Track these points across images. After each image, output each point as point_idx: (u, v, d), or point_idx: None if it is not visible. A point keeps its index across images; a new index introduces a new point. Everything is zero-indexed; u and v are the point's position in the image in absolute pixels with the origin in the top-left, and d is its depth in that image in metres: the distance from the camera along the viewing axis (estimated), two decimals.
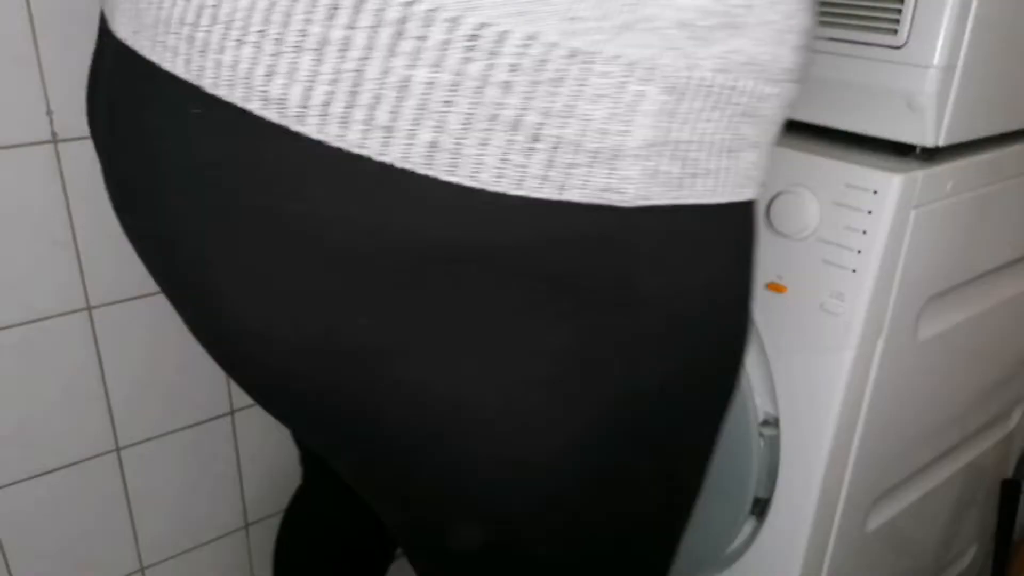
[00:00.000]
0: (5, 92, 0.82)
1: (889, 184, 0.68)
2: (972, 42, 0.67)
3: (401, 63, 0.35)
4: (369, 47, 0.35)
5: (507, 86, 0.35)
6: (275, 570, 1.01)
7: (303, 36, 0.35)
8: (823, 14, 0.73)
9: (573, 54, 0.35)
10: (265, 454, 0.94)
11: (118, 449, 1.07)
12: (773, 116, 0.42)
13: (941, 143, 0.70)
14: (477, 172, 0.36)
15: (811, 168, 0.72)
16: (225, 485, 1.19)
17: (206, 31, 0.37)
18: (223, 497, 1.20)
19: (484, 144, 0.36)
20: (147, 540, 1.14)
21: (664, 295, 0.42)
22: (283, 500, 1.22)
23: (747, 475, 0.81)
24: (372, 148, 0.36)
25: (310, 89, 0.36)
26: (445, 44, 0.34)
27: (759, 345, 0.79)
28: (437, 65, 0.34)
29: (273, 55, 0.36)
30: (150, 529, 1.14)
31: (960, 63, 0.68)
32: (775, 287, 0.76)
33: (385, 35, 0.34)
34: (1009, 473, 1.21)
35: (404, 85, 0.35)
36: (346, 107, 0.35)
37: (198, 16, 0.37)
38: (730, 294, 0.46)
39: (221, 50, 0.37)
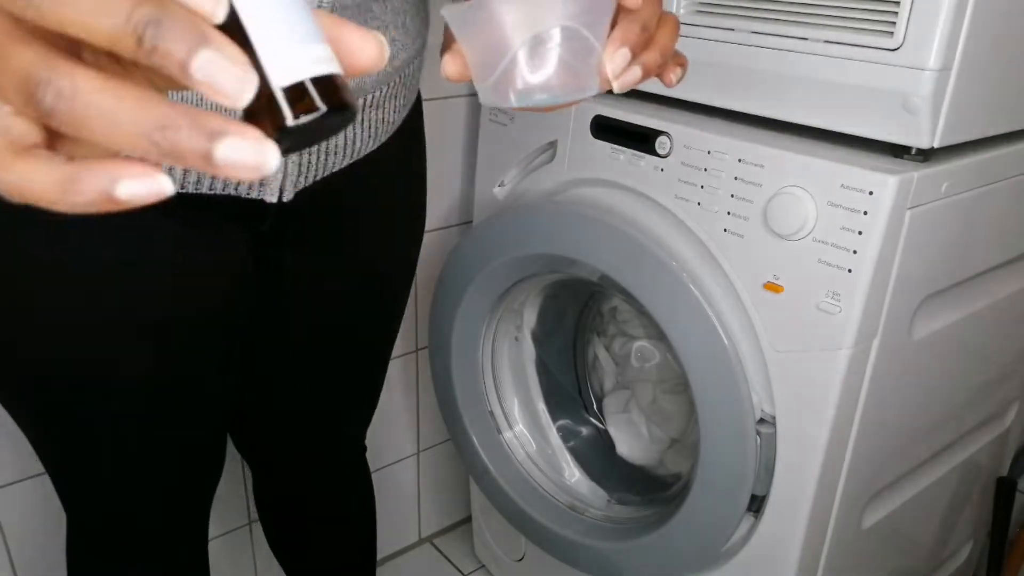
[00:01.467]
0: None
1: (885, 185, 0.68)
2: (967, 45, 0.68)
3: None
4: None
5: None
6: (279, 558, 1.03)
7: None
8: (820, 16, 0.73)
9: None
10: None
11: None
12: None
13: (936, 144, 0.71)
14: None
15: (807, 169, 0.73)
16: (229, 483, 1.20)
17: None
18: (228, 495, 1.21)
19: None
20: None
21: None
22: None
23: (744, 472, 0.82)
24: None
25: None
26: None
27: (756, 344, 0.80)
28: None
29: None
30: None
31: (955, 65, 0.68)
32: (771, 287, 0.77)
33: None
34: (1004, 471, 1.21)
35: None
36: None
37: None
38: None
39: None
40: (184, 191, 0.59)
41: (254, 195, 0.62)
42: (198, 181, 0.59)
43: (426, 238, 1.26)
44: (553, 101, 0.42)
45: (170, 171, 0.57)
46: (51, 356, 0.62)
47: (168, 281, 0.63)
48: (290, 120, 0.25)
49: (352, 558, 1.01)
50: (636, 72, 0.41)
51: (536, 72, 0.40)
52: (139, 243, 0.60)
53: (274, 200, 0.63)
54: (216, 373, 0.72)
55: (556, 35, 0.39)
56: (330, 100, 0.25)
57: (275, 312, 0.76)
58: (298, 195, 0.65)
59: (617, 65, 0.40)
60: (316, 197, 0.67)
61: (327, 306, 0.78)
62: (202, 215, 0.62)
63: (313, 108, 0.25)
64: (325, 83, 0.25)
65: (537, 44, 0.39)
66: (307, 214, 0.69)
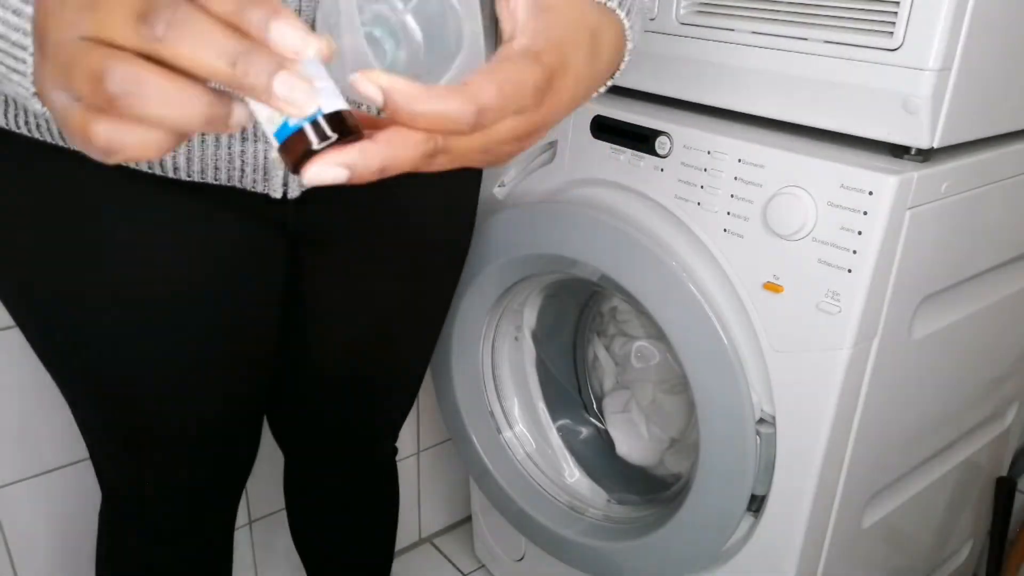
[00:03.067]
0: None
1: (884, 185, 0.68)
2: (967, 45, 0.68)
3: None
4: None
5: None
6: (300, 551, 1.03)
7: None
8: (820, 16, 0.73)
9: None
10: (267, 455, 0.95)
11: None
12: None
13: (936, 145, 0.71)
14: None
15: (807, 169, 0.73)
16: None
17: None
18: None
19: None
20: None
21: None
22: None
23: (744, 472, 0.82)
24: None
25: None
26: None
27: (756, 344, 0.80)
28: None
29: None
30: None
31: (955, 65, 0.68)
32: (771, 287, 0.77)
33: None
34: (1004, 471, 1.21)
35: None
36: None
37: None
38: None
39: None
40: (191, 179, 0.60)
41: (259, 189, 0.62)
42: (202, 171, 0.60)
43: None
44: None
45: (174, 159, 0.58)
46: (89, 330, 0.65)
47: (192, 258, 0.65)
48: (315, 144, 0.33)
49: (370, 555, 1.02)
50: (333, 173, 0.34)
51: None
52: (165, 222, 0.63)
53: (278, 196, 0.63)
54: (246, 353, 0.73)
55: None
56: (339, 130, 0.33)
57: (314, 308, 0.77)
58: (321, 195, 0.65)
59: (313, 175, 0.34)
60: (339, 197, 0.67)
61: (364, 305, 0.78)
62: (225, 202, 0.64)
63: (326, 137, 0.33)
64: (335, 117, 0.33)
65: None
66: (335, 215, 0.70)
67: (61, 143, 0.58)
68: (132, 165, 0.59)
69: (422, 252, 0.79)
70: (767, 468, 0.82)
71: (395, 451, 0.98)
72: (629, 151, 0.87)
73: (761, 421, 0.81)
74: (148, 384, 0.68)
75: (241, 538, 1.26)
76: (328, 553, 1.01)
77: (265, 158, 0.60)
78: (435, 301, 0.85)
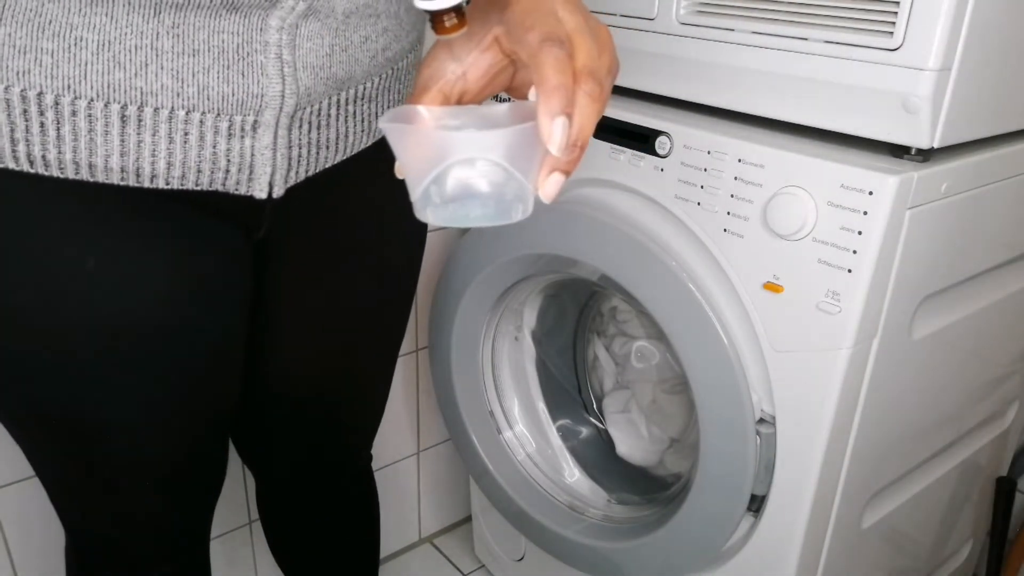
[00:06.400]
0: None
1: (884, 185, 0.68)
2: (967, 45, 0.68)
3: None
4: None
5: None
6: (280, 564, 1.02)
7: None
8: (820, 16, 0.73)
9: None
10: None
11: None
12: None
13: (936, 145, 0.71)
14: None
15: (807, 169, 0.73)
16: (230, 484, 1.20)
17: None
18: (228, 495, 1.21)
19: None
20: None
21: None
22: None
23: (744, 472, 0.82)
24: None
25: None
26: None
27: (756, 344, 0.80)
28: None
29: None
30: None
31: (955, 65, 0.68)
32: (771, 287, 0.77)
33: None
34: (1004, 471, 1.21)
35: None
36: None
37: None
38: None
39: None
40: (169, 187, 0.57)
41: (242, 191, 0.59)
42: (183, 176, 0.56)
43: (427, 238, 1.26)
44: (471, 224, 0.45)
45: (152, 165, 0.55)
46: (37, 368, 0.60)
47: (158, 287, 0.60)
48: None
49: (354, 567, 1.01)
50: (561, 180, 0.46)
51: (454, 197, 0.42)
52: (127, 247, 0.59)
53: (264, 196, 0.60)
54: (212, 387, 0.70)
55: (479, 166, 0.42)
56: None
57: (276, 321, 0.75)
58: (294, 197, 0.63)
59: (550, 190, 0.45)
60: (313, 198, 0.66)
61: (329, 315, 0.76)
62: (194, 218, 0.61)
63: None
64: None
65: (459, 171, 0.42)
66: (304, 219, 0.68)
67: (13, 165, 0.53)
68: (102, 179, 0.54)
69: (384, 256, 0.78)
70: (767, 468, 0.82)
71: (370, 458, 0.96)
72: (629, 151, 0.87)
73: (761, 421, 0.81)
74: (116, 423, 0.63)
75: (241, 538, 1.26)
76: (309, 568, 0.98)
77: (252, 155, 0.57)
78: (397, 307, 0.83)
